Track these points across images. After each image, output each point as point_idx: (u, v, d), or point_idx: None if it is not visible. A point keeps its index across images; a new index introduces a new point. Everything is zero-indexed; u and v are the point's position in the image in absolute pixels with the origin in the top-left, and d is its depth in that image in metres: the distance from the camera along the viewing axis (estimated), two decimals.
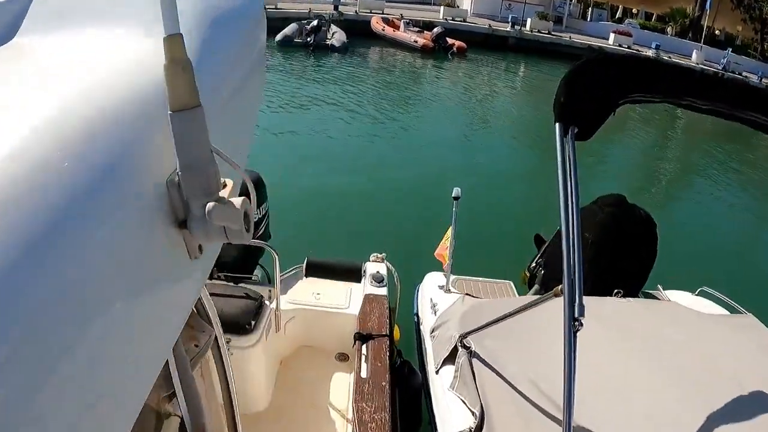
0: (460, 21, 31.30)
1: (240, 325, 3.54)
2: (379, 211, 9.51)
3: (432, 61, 24.78)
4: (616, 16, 41.67)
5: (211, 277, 4.47)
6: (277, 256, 3.70)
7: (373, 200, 9.99)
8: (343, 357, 4.37)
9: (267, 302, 3.86)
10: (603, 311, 3.30)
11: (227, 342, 3.37)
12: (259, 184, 4.50)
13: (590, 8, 39.12)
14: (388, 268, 4.52)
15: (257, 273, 4.85)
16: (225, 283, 3.98)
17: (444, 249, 4.40)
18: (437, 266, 4.73)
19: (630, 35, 31.99)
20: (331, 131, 13.91)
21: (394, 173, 11.52)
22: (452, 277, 4.53)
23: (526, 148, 15.10)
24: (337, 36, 24.66)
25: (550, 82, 22.06)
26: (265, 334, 3.72)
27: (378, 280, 4.41)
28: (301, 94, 17.28)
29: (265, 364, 3.85)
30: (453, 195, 4.12)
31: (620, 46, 30.13)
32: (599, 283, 3.94)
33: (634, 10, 42.55)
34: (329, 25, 25.22)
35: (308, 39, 23.86)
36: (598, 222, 4.38)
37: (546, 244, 4.94)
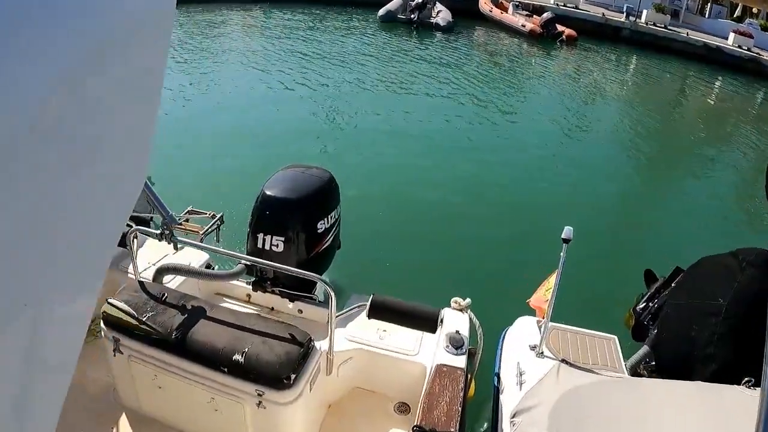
0: (572, 7, 30.04)
1: (278, 378, 2.98)
2: (466, 238, 8.51)
3: (538, 48, 23.78)
4: (735, 15, 39.29)
5: (264, 290, 4.24)
6: (332, 294, 3.18)
7: (458, 223, 9.01)
8: (403, 408, 3.86)
9: (317, 345, 3.27)
10: (724, 403, 2.83)
11: (259, 396, 2.96)
12: (331, 185, 4.28)
13: (709, 3, 37.03)
14: (471, 321, 3.85)
15: (318, 291, 4.54)
16: (267, 317, 3.42)
17: (542, 301, 3.75)
18: (525, 310, 4.21)
19: (751, 36, 30.01)
20: (423, 122, 13.23)
21: (486, 191, 10.38)
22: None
23: (641, 165, 13.33)
24: (442, 15, 24.13)
25: (665, 82, 21.01)
26: (310, 385, 3.19)
27: (456, 345, 3.68)
28: (400, 75, 16.85)
29: (305, 419, 3.33)
30: (563, 236, 3.39)
31: (740, 47, 28.23)
32: (727, 368, 3.42)
33: (755, 10, 39.99)
34: (434, 3, 24.68)
35: (412, 16, 23.50)
36: (736, 284, 3.77)
37: (658, 284, 4.41)
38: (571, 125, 14.87)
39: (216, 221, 5.49)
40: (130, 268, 3.81)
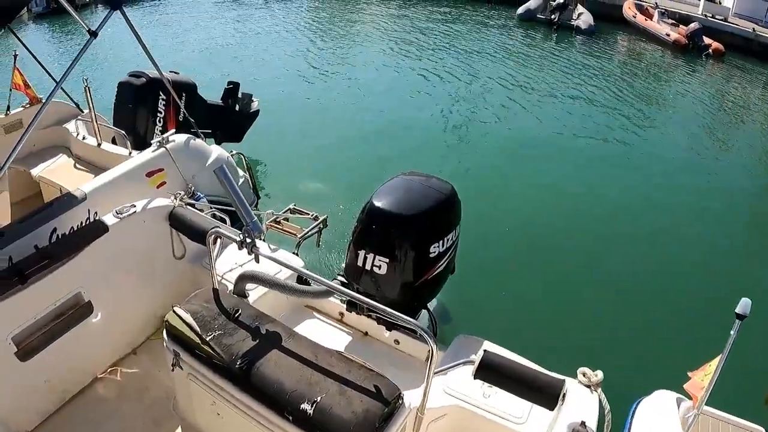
0: (721, 19, 27.82)
1: None
2: (606, 287, 7.28)
3: (682, 61, 21.97)
4: None
5: (360, 312, 3.85)
6: (434, 347, 2.47)
7: (597, 266, 7.69)
8: None
9: (407, 398, 2.55)
10: None
11: None
12: (451, 201, 3.76)
13: None
14: (601, 404, 3.00)
15: (421, 317, 4.03)
16: (352, 359, 2.71)
17: (698, 388, 2.89)
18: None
19: None
20: (560, 134, 12.25)
21: (639, 230, 8.72)
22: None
23: None
24: (583, 17, 22.92)
25: None
26: None
27: None
28: (536, 77, 16.04)
29: None
30: (737, 310, 2.51)
31: None
32: None
33: None
34: (575, 4, 23.49)
35: (552, 16, 22.50)
36: None
37: None
38: (714, 155, 13.26)
39: (318, 224, 4.93)
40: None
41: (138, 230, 4.08)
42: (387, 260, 3.67)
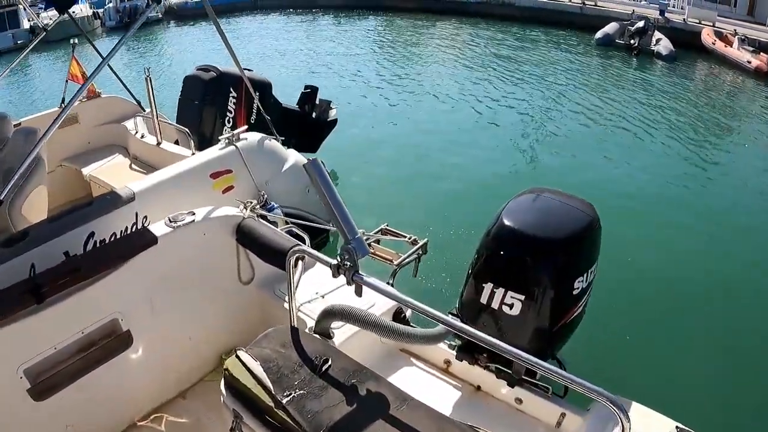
0: None
1: None
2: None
3: (764, 87, 20.65)
4: None
5: (473, 362, 3.07)
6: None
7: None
8: None
9: None
10: None
11: None
12: (596, 226, 2.90)
13: None
14: None
15: None
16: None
17: None
18: None
19: None
20: (653, 177, 11.00)
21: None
22: None
23: None
24: (663, 43, 21.99)
25: None
26: None
27: None
28: (616, 104, 15.22)
29: None
30: None
31: None
32: None
33: None
34: (654, 30, 22.62)
35: (632, 41, 21.74)
36: None
37: None
38: None
39: (417, 249, 3.94)
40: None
41: (195, 244, 3.24)
42: (522, 297, 2.81)
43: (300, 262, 2.72)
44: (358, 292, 2.19)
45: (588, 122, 13.78)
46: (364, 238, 3.79)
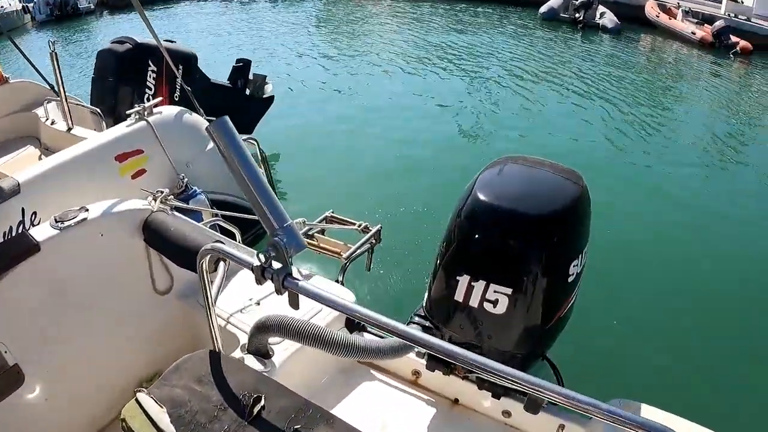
0: (744, 19, 26.39)
1: None
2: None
3: (709, 59, 20.58)
4: None
5: (448, 372, 2.54)
6: None
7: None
8: None
9: None
10: None
11: None
12: (588, 199, 2.35)
13: None
14: None
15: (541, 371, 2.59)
16: None
17: None
18: None
19: None
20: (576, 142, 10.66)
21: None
22: None
23: None
24: (607, 16, 21.89)
25: None
26: None
27: None
28: (562, 78, 14.84)
29: None
30: None
31: None
32: None
33: None
34: (597, 4, 22.44)
35: (577, 15, 21.48)
36: None
37: None
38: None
39: (369, 238, 3.29)
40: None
41: (92, 249, 2.52)
42: (508, 291, 2.19)
43: (222, 263, 2.06)
44: (294, 303, 1.59)
45: (535, 96, 13.35)
46: (305, 228, 3.14)
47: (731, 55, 21.28)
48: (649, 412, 2.25)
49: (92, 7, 26.57)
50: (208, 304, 1.90)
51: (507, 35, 20.25)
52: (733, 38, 21.93)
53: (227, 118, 1.62)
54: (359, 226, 3.30)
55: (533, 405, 2.11)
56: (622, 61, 17.85)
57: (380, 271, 4.88)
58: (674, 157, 10.48)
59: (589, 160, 9.51)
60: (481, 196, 2.20)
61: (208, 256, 1.78)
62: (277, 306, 2.43)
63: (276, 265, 1.54)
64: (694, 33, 22.00)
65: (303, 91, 11.74)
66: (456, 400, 2.64)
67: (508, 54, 17.43)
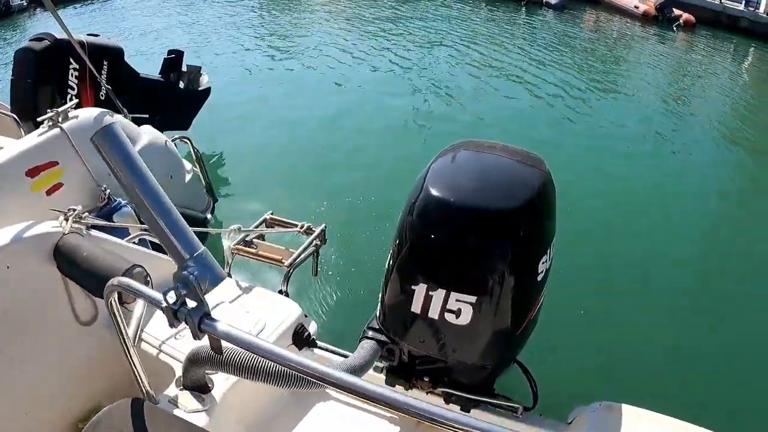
0: None
1: None
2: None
3: (653, 32, 20.69)
4: None
5: (409, 386, 2.32)
6: None
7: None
8: None
9: None
10: None
11: None
12: (552, 187, 2.12)
13: None
14: None
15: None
16: None
17: None
18: None
19: None
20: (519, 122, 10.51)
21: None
22: None
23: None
24: None
25: None
26: None
27: None
28: (507, 54, 14.70)
29: None
30: None
31: None
32: None
33: None
34: None
35: None
36: None
37: None
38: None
39: (313, 239, 2.98)
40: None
41: None
42: (472, 299, 1.91)
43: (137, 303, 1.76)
44: (216, 348, 1.29)
45: (481, 77, 13.15)
46: (241, 235, 2.82)
47: (675, 28, 21.45)
48: (632, 413, 2.08)
49: (24, 4, 25.48)
50: (126, 346, 1.60)
51: (450, 16, 19.96)
52: (676, 11, 22.10)
53: (116, 124, 1.35)
54: (301, 227, 2.98)
55: None
56: (567, 37, 17.82)
57: (328, 275, 4.57)
58: (624, 132, 10.47)
59: (540, 140, 9.37)
60: (434, 191, 1.92)
61: (116, 292, 1.47)
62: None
63: (190, 303, 1.24)
64: (637, 7, 22.12)
65: (242, 81, 11.14)
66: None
67: (452, 35, 17.15)
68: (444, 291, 1.90)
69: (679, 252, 6.31)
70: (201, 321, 1.23)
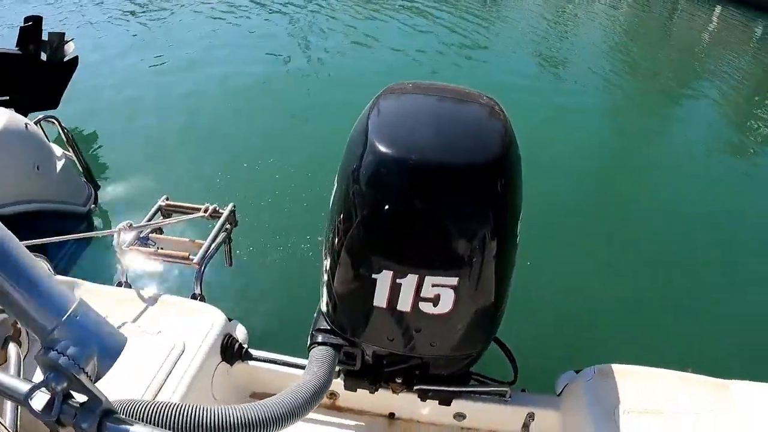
0: None
1: None
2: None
3: None
4: None
5: (375, 387, 1.99)
6: None
7: None
8: None
9: None
10: None
11: None
12: (512, 131, 1.72)
13: None
14: None
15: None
16: None
17: None
18: None
19: None
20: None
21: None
22: None
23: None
24: None
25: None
26: None
27: None
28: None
29: None
30: None
31: None
32: None
33: None
34: None
35: None
36: None
37: None
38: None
39: (223, 224, 2.44)
40: None
41: None
42: (454, 281, 1.51)
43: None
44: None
45: (375, 18, 12.32)
46: (133, 233, 2.23)
47: None
48: (628, 372, 1.96)
49: None
50: None
51: None
52: None
53: None
54: (205, 210, 2.41)
55: None
56: None
57: (246, 263, 3.86)
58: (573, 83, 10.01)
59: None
60: (384, 148, 1.46)
61: None
62: (134, 359, 1.64)
63: (79, 396, 0.74)
64: None
65: (116, 48, 9.67)
66: (392, 415, 2.14)
67: None
68: (416, 276, 1.48)
69: (648, 203, 6.07)
70: (101, 425, 0.74)
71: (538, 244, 4.46)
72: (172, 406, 1.22)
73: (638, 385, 1.87)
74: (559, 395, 2.04)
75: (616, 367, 1.96)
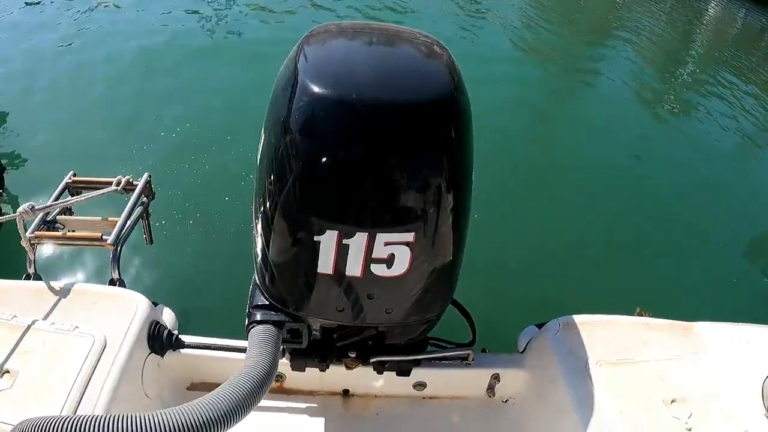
0: None
1: None
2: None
3: None
4: None
5: (326, 365, 1.84)
6: None
7: None
8: None
9: None
10: None
11: None
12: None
13: None
14: None
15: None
16: None
17: None
18: None
19: None
20: None
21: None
22: None
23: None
24: None
25: None
26: None
27: None
28: None
29: None
30: None
31: None
32: None
33: None
34: None
35: None
36: None
37: None
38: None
39: (138, 197, 2.17)
40: None
41: None
42: (410, 237, 1.33)
43: None
44: None
45: None
46: (40, 215, 1.94)
47: None
48: (589, 321, 1.89)
49: None
50: None
51: None
52: None
53: None
54: (118, 183, 2.11)
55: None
56: None
57: (167, 237, 3.49)
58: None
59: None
60: (318, 88, 1.24)
61: None
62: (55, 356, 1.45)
63: None
64: None
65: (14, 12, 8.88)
66: (346, 392, 2.00)
67: None
68: (365, 234, 1.29)
69: (595, 152, 6.04)
70: None
71: (484, 197, 4.35)
72: (81, 420, 1.02)
73: (605, 335, 1.81)
74: (522, 352, 1.94)
75: (579, 318, 1.88)
